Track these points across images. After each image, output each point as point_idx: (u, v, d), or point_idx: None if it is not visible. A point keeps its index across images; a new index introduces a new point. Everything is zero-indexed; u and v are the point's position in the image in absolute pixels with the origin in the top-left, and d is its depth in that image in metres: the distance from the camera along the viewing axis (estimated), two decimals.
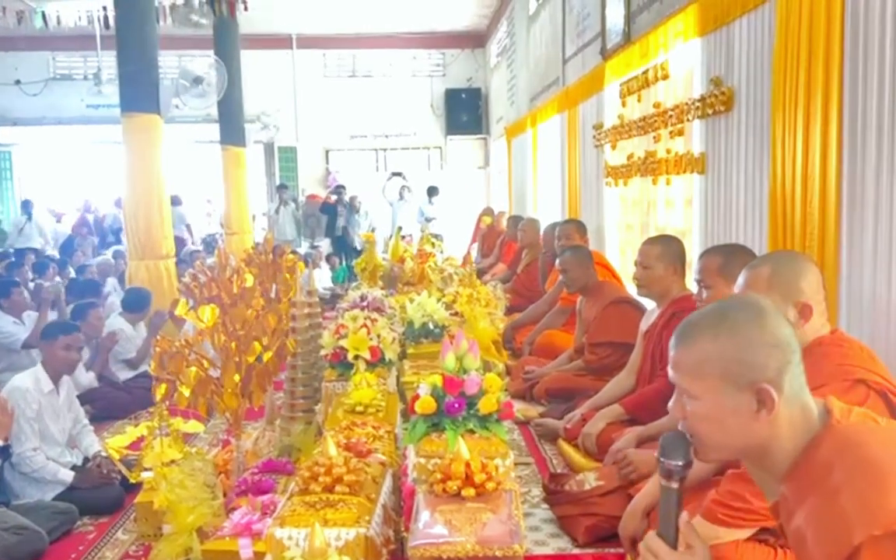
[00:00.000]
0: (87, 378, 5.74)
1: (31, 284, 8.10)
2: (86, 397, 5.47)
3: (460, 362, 2.72)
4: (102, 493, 4.09)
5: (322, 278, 11.17)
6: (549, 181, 10.36)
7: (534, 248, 7.79)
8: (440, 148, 16.83)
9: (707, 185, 5.02)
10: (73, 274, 9.36)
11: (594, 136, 7.72)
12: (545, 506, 3.52)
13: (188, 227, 14.07)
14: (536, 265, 7.56)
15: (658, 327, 4.06)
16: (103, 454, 4.28)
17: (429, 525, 2.20)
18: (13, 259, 10.02)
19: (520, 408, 5.01)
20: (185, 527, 3.08)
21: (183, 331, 5.64)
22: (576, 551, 3.19)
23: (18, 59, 15.07)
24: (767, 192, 4.02)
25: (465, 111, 16.33)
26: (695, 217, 5.29)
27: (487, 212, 12.44)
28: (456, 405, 2.62)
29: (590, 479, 3.27)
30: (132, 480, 3.77)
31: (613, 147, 7.12)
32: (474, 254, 12.17)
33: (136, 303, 6.59)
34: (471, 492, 2.32)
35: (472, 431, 2.62)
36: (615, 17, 6.88)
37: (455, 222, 14.88)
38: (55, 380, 4.33)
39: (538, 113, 10.62)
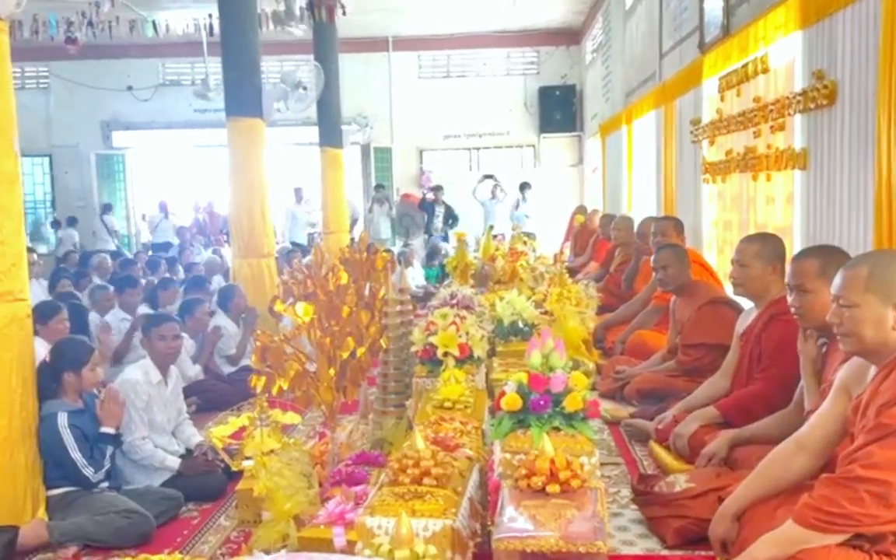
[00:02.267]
0: (193, 370, 6.03)
1: (143, 281, 8.56)
2: (192, 389, 5.76)
3: (546, 360, 2.75)
4: (207, 481, 4.29)
5: (416, 276, 11.35)
6: (644, 178, 10.21)
7: (627, 246, 7.69)
8: (533, 146, 16.79)
9: (809, 182, 4.87)
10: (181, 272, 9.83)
11: (691, 132, 7.57)
12: (634, 507, 3.50)
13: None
14: (629, 264, 7.47)
15: (756, 329, 3.97)
16: (207, 443, 4.49)
17: (513, 519, 2.24)
18: (151, 253, 10.69)
19: (610, 408, 4.99)
20: (282, 514, 3.22)
21: (281, 326, 5.85)
22: (664, 553, 3.16)
23: (130, 66, 15.88)
24: (873, 190, 3.87)
25: (558, 109, 16.23)
26: (796, 214, 5.14)
27: (580, 210, 12.35)
28: (541, 402, 2.65)
29: (680, 481, 3.24)
30: (234, 468, 3.95)
31: (711, 143, 6.97)
32: (567, 252, 12.10)
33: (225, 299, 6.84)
34: (555, 488, 2.35)
35: (557, 429, 2.64)
36: (714, 10, 6.73)
37: (548, 221, 14.82)
38: (162, 371, 4.56)
39: (634, 109, 10.47)
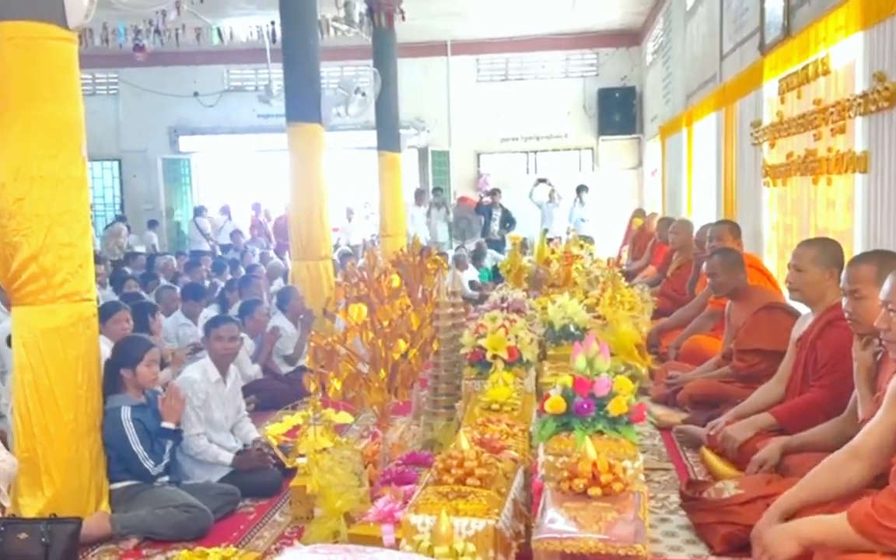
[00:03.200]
0: (252, 370, 6.20)
1: (207, 283, 8.81)
2: (251, 388, 5.92)
3: (591, 364, 2.76)
4: (263, 477, 4.41)
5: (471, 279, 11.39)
6: (704, 181, 10.06)
7: (685, 250, 7.61)
8: (592, 149, 16.67)
9: (870, 185, 4.75)
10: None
11: (752, 135, 7.45)
12: (682, 512, 3.48)
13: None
14: (687, 268, 7.38)
15: (812, 335, 3.90)
16: (263, 440, 4.62)
17: (554, 520, 2.26)
18: (219, 254, 10.99)
19: (662, 413, 4.95)
20: (333, 511, 3.30)
21: (336, 327, 5.96)
22: (711, 559, 3.15)
23: (197, 72, 16.31)
24: None
25: (618, 111, 16.08)
26: (856, 218, 5.02)
27: (639, 213, 12.22)
28: (585, 406, 2.67)
29: (729, 488, 3.21)
30: (288, 465, 4.06)
31: (772, 145, 6.85)
32: (625, 256, 12.00)
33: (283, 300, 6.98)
34: (597, 491, 2.36)
35: (601, 432, 2.65)
36: (774, 11, 6.62)
37: (607, 224, 14.70)
38: (221, 370, 4.70)
39: (694, 111, 10.34)
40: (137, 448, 3.98)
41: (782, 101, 6.49)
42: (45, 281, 3.73)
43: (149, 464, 4.00)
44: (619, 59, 16.30)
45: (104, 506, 3.93)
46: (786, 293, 4.84)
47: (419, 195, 14.63)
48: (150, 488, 4.02)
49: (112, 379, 4.12)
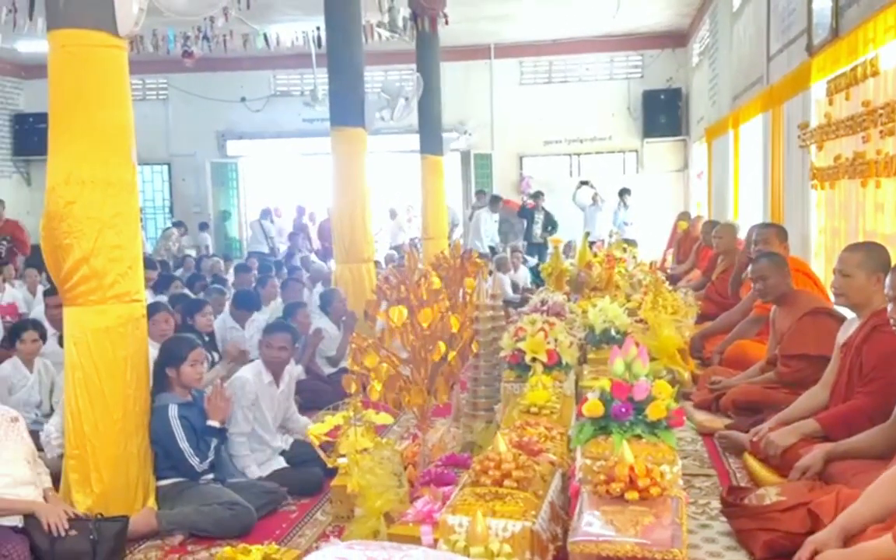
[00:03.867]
0: (296, 370, 6.28)
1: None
2: (294, 388, 6.00)
3: (629, 367, 2.76)
4: (307, 476, 4.48)
5: (521, 280, 11.37)
6: (750, 184, 9.92)
7: (729, 254, 7.51)
8: (636, 151, 16.52)
9: None
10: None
11: (799, 137, 7.32)
12: (723, 519, 3.45)
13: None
14: (731, 272, 7.28)
15: (857, 340, 3.84)
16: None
17: (590, 523, 2.27)
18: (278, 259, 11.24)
19: (705, 419, 4.90)
20: (373, 511, 3.33)
21: (377, 329, 6.01)
22: None
23: (244, 78, 16.55)
24: None
25: (663, 113, 15.91)
26: None
27: (684, 216, 12.09)
28: (623, 410, 2.66)
29: (771, 494, 3.17)
30: (329, 465, 4.11)
31: (820, 148, 6.72)
32: (670, 260, 11.88)
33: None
34: (634, 495, 2.36)
35: (639, 436, 2.65)
36: (822, 12, 6.50)
37: (651, 227, 14.56)
38: (275, 373, 4.78)
39: (740, 113, 10.19)
40: (183, 445, 4.07)
41: (830, 103, 6.37)
42: (95, 282, 3.84)
43: (194, 461, 4.08)
44: (664, 61, 16.14)
45: (151, 502, 4.03)
46: (832, 298, 4.77)
47: (494, 202, 14.52)
48: (195, 486, 4.11)
49: (159, 377, 4.23)
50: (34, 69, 15.74)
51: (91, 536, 3.56)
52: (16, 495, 3.55)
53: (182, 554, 3.77)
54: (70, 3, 3.82)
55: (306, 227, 16.35)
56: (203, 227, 16.09)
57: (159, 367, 4.26)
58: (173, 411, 4.11)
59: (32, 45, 12.99)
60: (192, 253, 14.31)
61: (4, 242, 11.42)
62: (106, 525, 3.67)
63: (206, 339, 6.30)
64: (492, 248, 13.20)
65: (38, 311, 8.02)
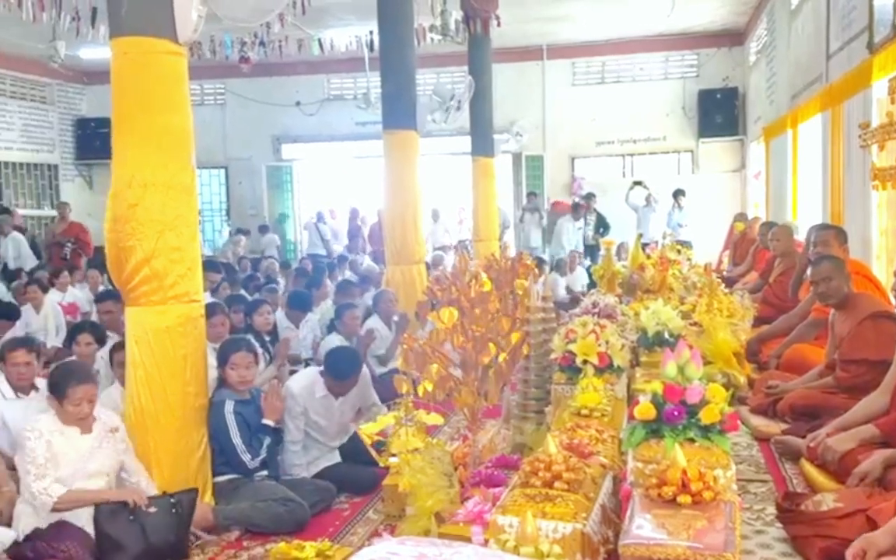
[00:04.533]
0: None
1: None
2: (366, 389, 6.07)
3: (682, 371, 2.73)
4: (361, 475, 4.53)
5: (575, 282, 11.32)
6: (810, 184, 9.70)
7: (787, 256, 7.36)
8: (691, 151, 16.27)
9: None
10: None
11: (860, 136, 7.13)
12: (779, 525, 3.39)
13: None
14: (790, 274, 7.12)
15: None
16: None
17: (641, 526, 2.26)
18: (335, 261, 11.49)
19: (761, 424, 4.82)
20: (424, 510, 3.37)
21: (427, 330, 6.05)
22: None
23: (298, 82, 16.78)
24: None
25: (719, 112, 15.64)
26: None
27: (740, 218, 11.87)
28: (675, 413, 2.64)
29: (828, 500, 3.11)
30: (381, 464, 4.16)
31: (881, 148, 6.55)
32: (726, 262, 11.68)
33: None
34: (687, 499, 2.34)
35: (692, 440, 2.63)
36: (884, 9, 6.34)
37: (707, 229, 14.32)
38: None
39: (799, 112, 9.98)
40: (236, 440, 4.16)
41: (892, 102, 6.19)
42: (156, 283, 3.95)
43: (246, 457, 4.17)
44: (720, 60, 15.87)
45: (208, 498, 4.13)
46: (893, 301, 4.65)
47: (576, 209, 14.42)
48: (250, 482, 4.20)
49: (220, 375, 4.35)
50: (96, 75, 16.21)
51: (174, 510, 3.70)
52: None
53: (238, 549, 3.85)
54: (132, 11, 3.94)
55: (360, 229, 16.51)
56: (263, 229, 16.38)
57: (220, 365, 4.39)
58: (229, 407, 4.21)
59: (94, 51, 13.38)
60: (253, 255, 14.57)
61: (69, 244, 11.79)
62: (183, 496, 3.80)
63: (267, 338, 6.43)
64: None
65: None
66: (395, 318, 7.05)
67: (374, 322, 6.95)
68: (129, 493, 3.70)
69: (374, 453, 4.38)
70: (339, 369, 4.64)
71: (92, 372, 4.04)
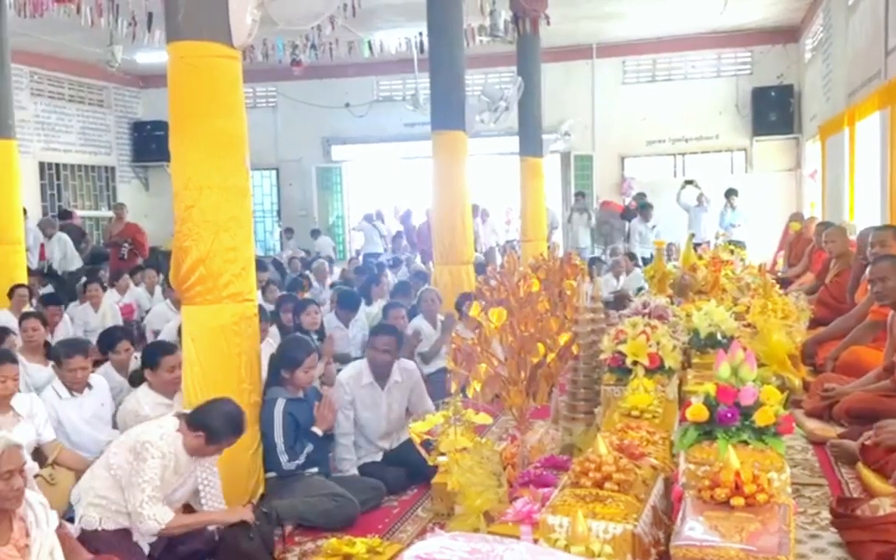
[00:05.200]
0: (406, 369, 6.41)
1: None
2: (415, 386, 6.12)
3: (735, 372, 2.70)
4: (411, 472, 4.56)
5: (630, 282, 11.20)
6: (867, 183, 9.47)
7: (843, 257, 7.19)
8: (745, 150, 15.99)
9: None
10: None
11: None
12: (834, 530, 3.32)
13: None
14: (846, 275, 6.96)
15: None
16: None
17: (694, 528, 2.24)
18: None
19: (816, 427, 4.72)
20: (473, 509, 3.38)
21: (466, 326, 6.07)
22: None
23: (348, 84, 16.94)
24: None
25: (773, 110, 15.34)
26: None
27: (796, 218, 11.62)
28: (729, 415, 2.61)
29: (885, 505, 3.04)
30: (430, 463, 4.18)
31: None
32: (781, 262, 11.45)
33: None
34: (740, 501, 2.31)
35: (745, 443, 2.59)
36: None
37: (761, 229, 14.06)
38: (378, 374, 4.83)
39: (856, 109, 9.74)
40: (278, 439, 4.20)
41: None
42: (211, 283, 4.04)
43: (283, 458, 4.21)
44: (774, 57, 15.57)
45: (261, 493, 4.20)
46: None
47: (644, 210, 14.30)
48: (301, 478, 4.26)
49: (275, 372, 4.40)
50: (151, 79, 16.60)
51: (271, 515, 3.77)
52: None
53: (290, 544, 3.91)
54: (188, 16, 4.03)
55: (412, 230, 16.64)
56: (315, 233, 16.60)
57: (275, 364, 4.43)
58: (280, 405, 4.27)
59: (150, 55, 13.71)
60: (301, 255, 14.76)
61: (126, 245, 12.08)
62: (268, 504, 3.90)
63: (315, 336, 6.53)
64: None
65: (155, 310, 8.50)
66: (442, 318, 7.08)
67: (419, 322, 6.99)
68: (233, 512, 3.68)
69: (423, 452, 4.40)
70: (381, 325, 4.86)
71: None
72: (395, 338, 4.99)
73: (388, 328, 5.21)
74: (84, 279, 9.31)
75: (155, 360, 4.55)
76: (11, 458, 2.71)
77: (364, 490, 4.34)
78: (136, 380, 5.05)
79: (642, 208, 14.25)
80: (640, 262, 11.80)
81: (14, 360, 4.36)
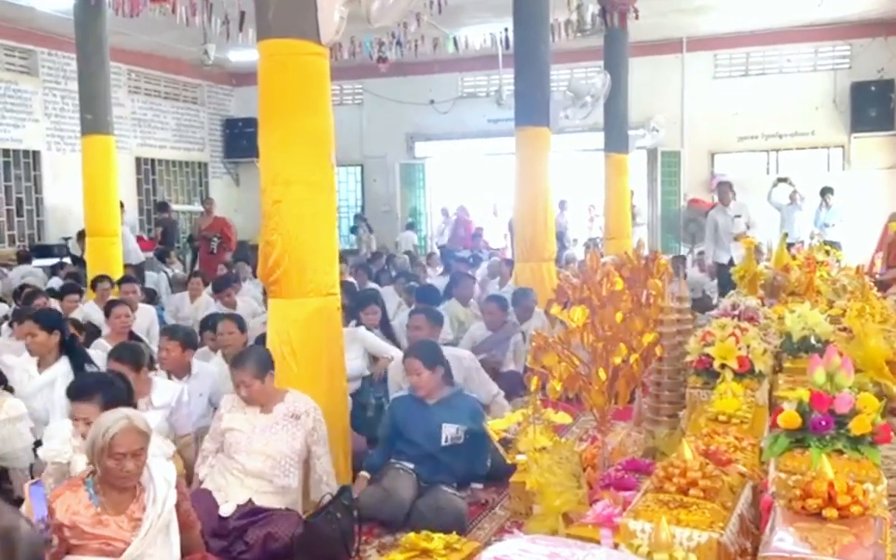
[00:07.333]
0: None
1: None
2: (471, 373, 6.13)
3: (831, 378, 2.58)
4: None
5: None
6: None
7: None
8: (842, 147, 15.35)
9: None
10: None
11: None
12: None
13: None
14: None
15: None
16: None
17: (783, 539, 2.15)
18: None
19: None
20: (552, 509, 3.34)
21: (556, 328, 6.00)
22: None
23: (432, 81, 17.03)
24: None
25: (873, 106, 14.67)
26: None
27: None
28: (823, 423, 2.50)
29: None
30: (508, 461, 4.16)
31: None
32: (879, 264, 10.95)
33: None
34: (833, 513, 2.21)
35: (840, 452, 2.48)
36: None
37: (859, 229, 13.48)
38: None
39: None
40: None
41: None
42: (296, 276, 4.12)
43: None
44: (875, 51, 14.88)
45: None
46: None
47: (721, 191, 13.80)
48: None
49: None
50: (243, 77, 17.05)
51: (346, 502, 3.81)
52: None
53: (368, 537, 3.95)
54: (278, 14, 4.12)
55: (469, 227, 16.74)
56: (409, 226, 16.84)
57: None
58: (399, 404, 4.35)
59: (242, 54, 14.07)
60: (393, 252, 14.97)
61: (216, 238, 12.44)
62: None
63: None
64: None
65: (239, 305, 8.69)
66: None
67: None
68: None
69: (501, 449, 4.37)
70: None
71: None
72: (426, 315, 5.20)
73: (421, 308, 5.32)
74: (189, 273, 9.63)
75: None
76: (125, 440, 2.80)
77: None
78: None
79: (720, 187, 13.39)
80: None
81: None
